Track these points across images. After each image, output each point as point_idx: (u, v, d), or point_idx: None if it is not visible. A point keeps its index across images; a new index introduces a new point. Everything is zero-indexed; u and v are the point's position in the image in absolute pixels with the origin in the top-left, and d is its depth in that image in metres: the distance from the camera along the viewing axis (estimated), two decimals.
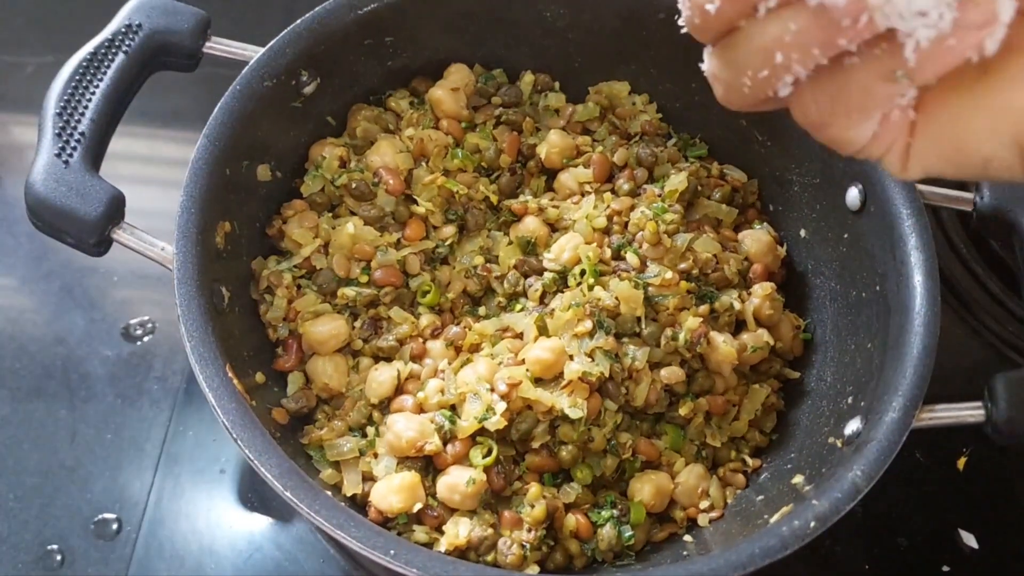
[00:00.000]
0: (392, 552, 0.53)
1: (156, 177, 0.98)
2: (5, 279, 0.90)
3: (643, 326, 0.69)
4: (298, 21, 0.71)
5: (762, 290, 0.74)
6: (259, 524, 0.78)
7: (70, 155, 0.61)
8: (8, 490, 0.78)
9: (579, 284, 0.70)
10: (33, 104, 1.05)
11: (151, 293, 0.89)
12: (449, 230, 0.75)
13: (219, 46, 0.71)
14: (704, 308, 0.71)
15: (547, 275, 0.72)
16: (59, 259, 0.90)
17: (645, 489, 0.67)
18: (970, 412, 0.61)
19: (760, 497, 0.68)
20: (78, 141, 0.62)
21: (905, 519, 0.80)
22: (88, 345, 0.86)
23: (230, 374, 0.59)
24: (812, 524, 0.56)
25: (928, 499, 0.81)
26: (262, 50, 0.70)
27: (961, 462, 0.82)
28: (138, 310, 0.88)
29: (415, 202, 0.74)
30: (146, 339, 0.86)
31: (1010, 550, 0.80)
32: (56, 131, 0.61)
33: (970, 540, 0.79)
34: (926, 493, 0.81)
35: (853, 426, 0.64)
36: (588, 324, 0.67)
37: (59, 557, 0.76)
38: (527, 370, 0.65)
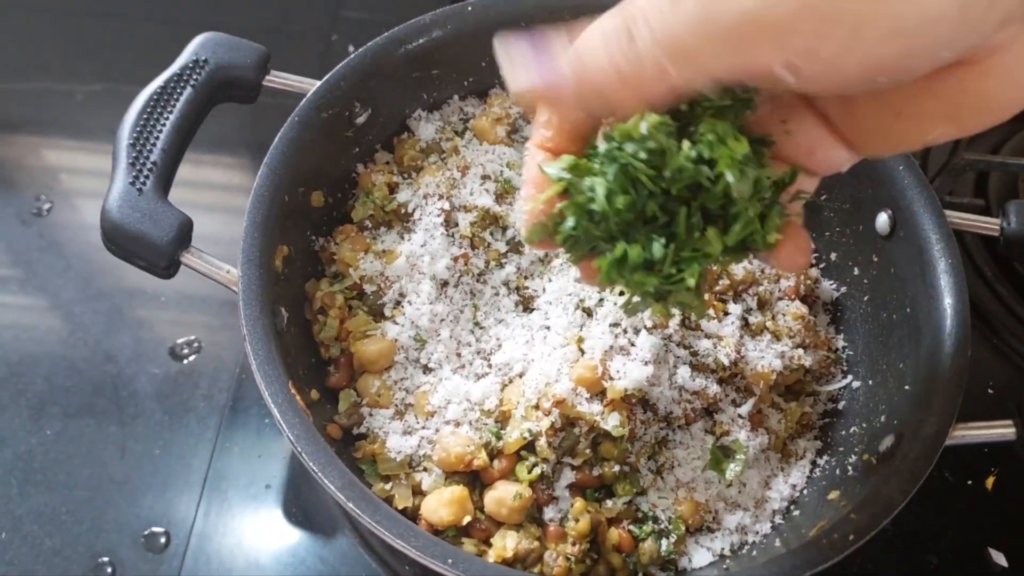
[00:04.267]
0: (450, 561, 0.55)
1: (207, 202, 1.00)
2: (56, 300, 0.93)
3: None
4: (352, 55, 0.75)
5: (795, 311, 0.76)
6: (303, 539, 0.80)
7: (143, 183, 0.64)
8: (60, 504, 0.81)
9: (616, 303, 0.73)
10: (82, 131, 1.09)
11: (197, 314, 0.92)
12: (498, 248, 0.77)
13: (278, 79, 0.74)
14: (740, 328, 0.73)
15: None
16: (108, 280, 0.93)
17: (684, 505, 0.69)
18: (1002, 430, 0.63)
19: (797, 512, 0.70)
20: (150, 170, 0.64)
21: (935, 538, 0.81)
22: (137, 364, 0.88)
23: (292, 391, 0.61)
24: (851, 537, 0.58)
25: (958, 518, 0.82)
26: (318, 83, 0.73)
27: (990, 481, 0.83)
28: (184, 330, 0.91)
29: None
30: (192, 358, 0.89)
31: None
32: (130, 160, 0.64)
33: (1000, 559, 0.80)
34: (956, 512, 0.82)
35: (887, 443, 0.66)
36: (624, 341, 0.69)
37: (109, 570, 0.78)
38: (573, 387, 0.67)
